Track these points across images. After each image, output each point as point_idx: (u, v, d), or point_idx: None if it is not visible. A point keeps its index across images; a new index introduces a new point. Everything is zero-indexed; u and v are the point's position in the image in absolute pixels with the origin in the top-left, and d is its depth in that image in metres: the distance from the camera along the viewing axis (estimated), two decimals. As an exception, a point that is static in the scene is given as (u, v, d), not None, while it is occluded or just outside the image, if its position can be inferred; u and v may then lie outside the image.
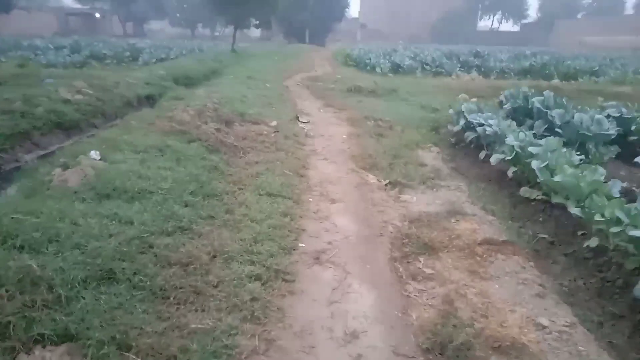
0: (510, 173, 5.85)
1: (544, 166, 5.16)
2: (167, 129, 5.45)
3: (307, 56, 30.07)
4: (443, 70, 19.70)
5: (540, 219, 5.03)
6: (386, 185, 5.42)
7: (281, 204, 4.31)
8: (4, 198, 3.82)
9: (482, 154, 7.10)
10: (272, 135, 7.12)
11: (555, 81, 16.34)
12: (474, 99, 12.78)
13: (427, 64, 20.65)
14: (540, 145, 5.59)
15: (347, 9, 60.85)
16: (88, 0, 65.56)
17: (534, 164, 5.24)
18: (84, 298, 2.34)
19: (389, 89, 13.42)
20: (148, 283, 2.63)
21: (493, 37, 68.25)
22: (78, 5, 66.67)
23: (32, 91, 7.59)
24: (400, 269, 3.42)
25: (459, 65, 20.27)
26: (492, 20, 75.59)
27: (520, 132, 6.12)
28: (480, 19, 76.45)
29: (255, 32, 64.36)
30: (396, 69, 19.99)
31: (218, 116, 6.80)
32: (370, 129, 8.29)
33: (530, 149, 5.47)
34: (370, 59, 21.05)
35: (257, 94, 11.01)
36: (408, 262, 3.52)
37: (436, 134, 8.99)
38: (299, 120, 8.83)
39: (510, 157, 5.86)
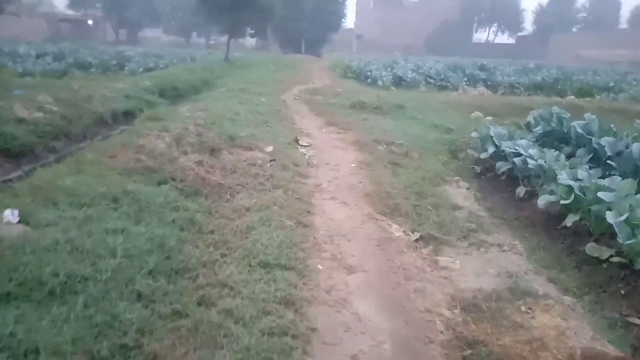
0: (569, 222, 4.63)
1: (623, 219, 3.96)
2: (131, 164, 4.19)
3: (304, 67, 28.96)
4: (448, 84, 18.64)
5: (622, 291, 3.83)
6: (416, 240, 4.18)
7: (280, 282, 3.05)
8: None
9: (520, 191, 5.90)
10: (268, 165, 5.87)
11: (571, 98, 15.29)
12: (489, 118, 11.66)
13: (431, 78, 19.58)
14: (611, 189, 4.39)
15: (343, 20, 60.22)
16: (80, 7, 64.31)
17: (610, 216, 4.02)
18: None
19: (396, 105, 12.24)
20: None
21: (489, 50, 67.71)
22: (70, 11, 65.34)
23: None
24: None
25: (465, 79, 19.22)
26: (488, 33, 75.32)
27: (579, 169, 4.93)
28: (476, 31, 76.14)
29: (251, 41, 63.49)
30: (398, 82, 18.89)
31: (201, 143, 5.54)
32: (382, 155, 7.06)
33: (601, 194, 4.26)
34: (371, 72, 19.94)
35: (251, 109, 9.77)
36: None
37: (455, 158, 7.83)
38: (298, 144, 7.59)
39: (567, 202, 4.65)
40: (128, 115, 9.35)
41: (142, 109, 9.78)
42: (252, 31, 47.54)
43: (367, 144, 7.74)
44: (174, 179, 4.23)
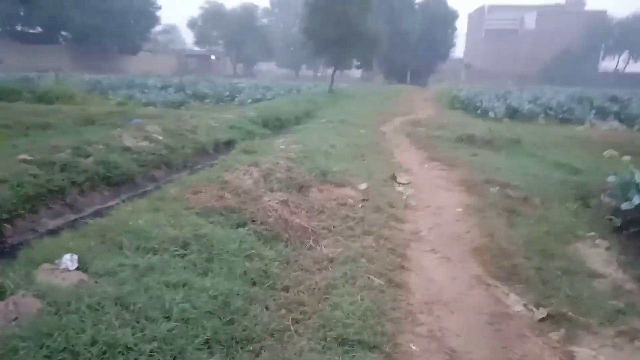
0: None
1: None
2: (212, 202, 3.90)
3: (408, 97, 28.31)
4: (572, 117, 16.55)
5: None
6: (542, 320, 3.23)
7: (362, 372, 2.39)
8: None
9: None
10: (360, 205, 5.29)
11: None
12: (627, 157, 9.85)
13: (551, 109, 17.59)
14: None
15: (452, 49, 58.64)
16: (205, 43, 71.40)
17: None
18: None
19: (510, 140, 10.98)
20: None
21: (618, 79, 60.46)
22: (197, 48, 72.91)
23: (95, 136, 6.70)
24: None
25: (593, 112, 16.91)
26: (617, 61, 67.58)
27: None
28: (603, 59, 68.84)
29: (356, 73, 64.76)
30: (513, 113, 17.25)
31: (290, 179, 5.18)
32: (495, 199, 6.07)
33: None
34: (481, 102, 18.56)
35: (348, 142, 9.36)
36: None
37: (586, 206, 6.50)
38: (396, 181, 6.91)
39: None
40: (229, 145, 9.49)
41: (242, 139, 9.95)
42: (358, 63, 48.53)
43: (477, 184, 6.78)
44: (254, 221, 3.85)
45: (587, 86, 45.03)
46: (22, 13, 45.37)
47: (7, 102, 14.64)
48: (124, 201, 5.51)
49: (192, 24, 69.61)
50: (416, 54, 48.09)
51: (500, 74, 63.64)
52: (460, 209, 5.78)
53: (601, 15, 64.45)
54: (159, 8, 53.63)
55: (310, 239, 4.01)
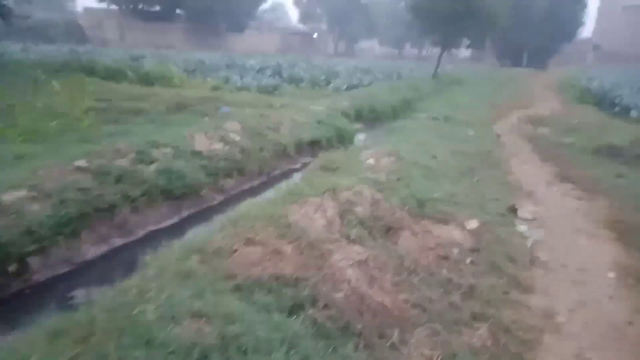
0: None
1: None
2: (262, 266, 2.84)
3: (525, 84, 24.96)
4: None
5: None
6: None
7: None
8: None
9: None
10: (468, 261, 3.91)
11: None
12: None
13: None
14: None
15: (579, 29, 51.40)
16: (308, 21, 71.33)
17: None
18: None
19: (671, 154, 8.49)
20: None
21: None
22: (301, 26, 73.19)
23: (165, 137, 6.03)
24: None
25: None
26: None
27: None
28: None
29: (465, 52, 60.02)
30: (664, 112, 13.89)
31: (375, 219, 3.96)
32: (666, 261, 4.27)
33: None
34: (622, 96, 15.30)
35: (453, 149, 7.79)
36: None
37: None
38: (517, 215, 5.32)
39: None
40: (314, 146, 8.48)
41: (329, 139, 8.88)
42: (469, 42, 44.42)
43: (633, 229, 4.95)
44: (315, 302, 2.73)
45: None
46: (144, -8, 48.74)
47: (115, 83, 15.22)
48: (181, 220, 4.76)
49: (297, 2, 69.77)
50: (537, 32, 42.76)
51: (637, 57, 54.51)
52: (613, 274, 4.10)
53: None
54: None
55: (393, 331, 2.78)
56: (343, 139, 9.34)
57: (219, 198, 5.62)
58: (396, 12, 56.64)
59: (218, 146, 6.22)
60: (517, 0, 33.96)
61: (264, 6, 66.21)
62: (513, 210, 5.36)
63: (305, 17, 70.98)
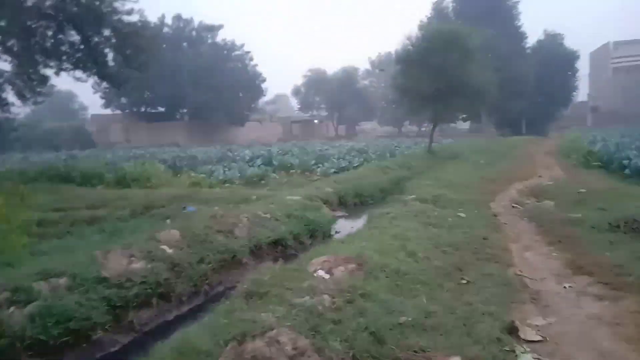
0: None
1: None
2: None
3: (525, 152, 24.10)
4: None
5: None
6: None
7: None
8: None
9: None
10: None
11: None
12: None
13: None
14: None
15: (574, 93, 52.03)
16: (308, 109, 73.76)
17: None
18: None
19: (703, 225, 7.09)
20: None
21: None
22: (301, 114, 75.57)
23: (69, 260, 4.89)
24: None
25: None
26: None
27: None
28: None
29: (464, 124, 60.58)
30: (680, 172, 12.67)
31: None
32: None
33: None
34: (630, 158, 14.17)
35: (438, 240, 6.52)
36: None
37: None
38: (519, 336, 3.90)
39: None
40: (279, 246, 7.28)
41: (296, 236, 7.70)
42: (464, 115, 44.72)
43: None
44: None
45: None
46: (147, 96, 50.88)
47: (89, 188, 14.57)
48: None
49: (296, 92, 72.73)
50: (532, 101, 43.11)
51: (634, 115, 54.41)
52: None
53: None
54: (264, 80, 56.47)
55: None
56: (315, 233, 8.16)
57: (123, 340, 4.31)
58: (391, 94, 58.32)
59: (138, 265, 5.03)
60: (506, 72, 34.52)
61: (266, 98, 68.97)
62: (513, 330, 3.94)
63: (304, 106, 73.50)
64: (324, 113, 75.09)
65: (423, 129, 66.95)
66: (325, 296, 3.68)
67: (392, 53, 44.76)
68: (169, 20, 50.98)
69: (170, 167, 19.60)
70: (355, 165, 18.39)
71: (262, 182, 16.46)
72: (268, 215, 7.92)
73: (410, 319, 3.78)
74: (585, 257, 5.97)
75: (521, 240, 7.19)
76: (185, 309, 5.13)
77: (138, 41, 20.10)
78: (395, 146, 28.62)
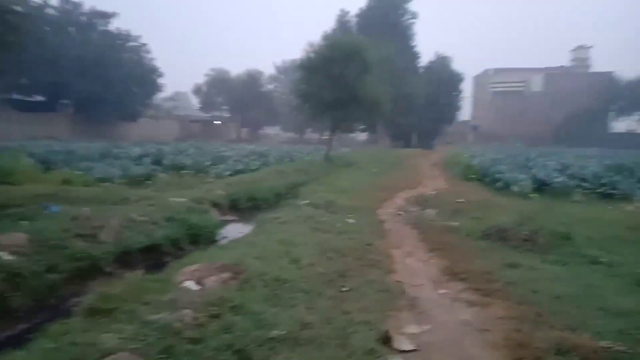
0: None
1: None
2: None
3: (414, 163, 25.64)
4: (615, 191, 13.53)
5: None
6: None
7: None
8: None
9: None
10: None
11: None
12: None
13: (586, 181, 14.63)
14: None
15: (457, 112, 57.16)
16: (210, 109, 71.25)
17: None
18: None
19: (556, 234, 7.90)
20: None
21: (633, 140, 58.32)
22: (202, 114, 72.62)
23: None
24: None
25: (641, 185, 13.89)
26: (630, 122, 65.44)
27: None
28: (615, 120, 66.90)
29: (362, 135, 63.20)
30: (540, 186, 14.31)
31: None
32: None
33: None
34: (501, 172, 15.68)
35: (324, 246, 6.39)
36: None
37: None
38: (392, 347, 3.82)
39: None
40: (152, 251, 6.58)
41: (178, 240, 7.06)
42: (363, 126, 46.65)
43: (541, 349, 3.66)
44: None
45: (599, 147, 42.48)
46: (22, 82, 44.84)
47: None
48: None
49: (197, 90, 69.78)
50: (422, 116, 46.42)
51: (508, 135, 61.72)
52: None
53: (608, 77, 63.57)
54: (162, 75, 53.18)
55: None
56: (199, 238, 7.58)
57: None
58: (292, 100, 58.78)
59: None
60: (401, 88, 36.69)
61: (163, 94, 65.09)
62: (387, 340, 3.86)
63: (206, 105, 70.77)
64: (226, 114, 73.10)
65: (324, 137, 68.53)
66: (188, 311, 3.23)
67: (296, 60, 45.34)
68: (55, 2, 45.69)
69: (42, 162, 17.27)
70: (253, 168, 17.91)
71: (148, 182, 15.22)
72: (145, 218, 7.17)
73: (284, 332, 3.49)
74: (460, 264, 6.25)
75: (404, 246, 7.38)
76: (23, 327, 4.27)
77: (7, 17, 17.49)
78: (296, 152, 28.70)
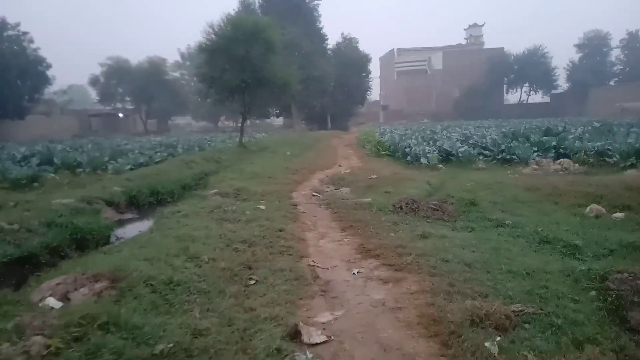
0: None
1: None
2: None
3: (329, 144, 25.68)
4: (513, 157, 14.45)
5: None
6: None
7: None
8: None
9: None
10: None
11: None
12: (618, 215, 7.31)
13: (486, 149, 15.50)
14: None
15: (368, 93, 58.57)
16: (110, 101, 65.77)
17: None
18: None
19: (462, 201, 8.11)
20: None
21: (523, 110, 64.39)
22: (101, 107, 66.72)
23: None
24: None
25: (535, 149, 14.97)
26: (520, 93, 71.86)
27: None
28: (507, 92, 73.05)
29: (279, 121, 62.36)
30: (446, 157, 14.90)
31: None
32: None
33: None
34: (410, 147, 16.06)
35: (231, 237, 5.86)
36: None
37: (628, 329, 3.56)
38: (301, 342, 3.43)
39: None
40: (27, 263, 5.58)
41: (58, 248, 6.08)
42: (277, 110, 45.86)
43: (455, 329, 3.49)
44: None
45: (495, 118, 46.24)
46: None
47: None
48: None
49: (93, 82, 63.75)
50: (334, 98, 46.78)
51: (415, 113, 64.79)
52: None
53: (500, 52, 68.74)
54: (50, 67, 47.76)
55: None
56: (86, 243, 6.63)
57: None
58: (196, 85, 56.14)
59: None
60: (310, 70, 36.46)
61: (54, 88, 58.53)
62: (296, 335, 3.46)
63: (105, 97, 65.01)
64: (129, 106, 67.92)
65: (239, 124, 66.70)
66: (37, 338, 2.55)
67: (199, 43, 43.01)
68: None
69: None
70: (157, 160, 16.60)
71: (35, 184, 13.42)
72: (15, 226, 6.07)
73: (171, 345, 2.94)
74: (372, 240, 6.06)
75: (317, 228, 7.06)
76: None
77: None
78: (208, 140, 27.35)
